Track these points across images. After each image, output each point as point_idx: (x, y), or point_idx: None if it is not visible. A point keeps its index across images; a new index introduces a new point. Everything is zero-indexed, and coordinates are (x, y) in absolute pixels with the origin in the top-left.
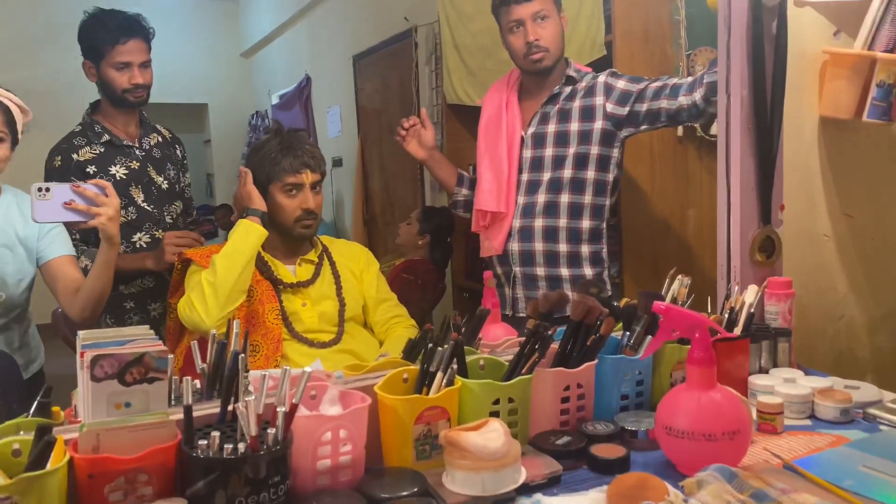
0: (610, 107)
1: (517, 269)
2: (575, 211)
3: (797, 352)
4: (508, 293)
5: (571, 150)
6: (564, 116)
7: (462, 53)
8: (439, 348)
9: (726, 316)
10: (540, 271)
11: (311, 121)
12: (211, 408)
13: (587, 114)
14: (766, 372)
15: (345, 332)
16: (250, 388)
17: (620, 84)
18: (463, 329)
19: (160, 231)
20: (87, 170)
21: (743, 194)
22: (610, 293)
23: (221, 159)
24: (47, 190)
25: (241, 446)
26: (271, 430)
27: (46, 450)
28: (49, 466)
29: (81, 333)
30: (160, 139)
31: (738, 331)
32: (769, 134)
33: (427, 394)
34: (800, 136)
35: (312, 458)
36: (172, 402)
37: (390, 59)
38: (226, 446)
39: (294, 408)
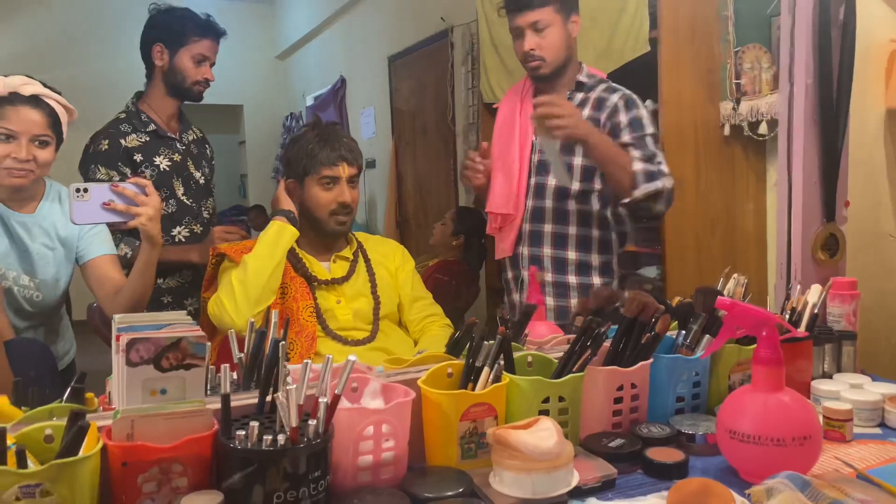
0: (605, 129)
1: (525, 274)
2: (584, 220)
3: (859, 357)
4: (516, 298)
5: (578, 161)
6: None
7: (500, 51)
8: (486, 342)
9: (787, 317)
10: (548, 277)
11: (346, 122)
12: (248, 398)
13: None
14: (830, 377)
15: (379, 329)
16: (289, 378)
17: (622, 118)
18: (510, 324)
19: (198, 226)
20: (135, 157)
21: (805, 189)
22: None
23: (255, 160)
24: (85, 190)
25: (281, 438)
26: (312, 422)
27: (79, 436)
28: (82, 453)
29: (117, 317)
30: (195, 136)
31: (801, 330)
32: (834, 126)
33: (473, 390)
34: (864, 130)
35: (354, 453)
36: (208, 393)
37: (426, 60)
38: (265, 437)
39: (336, 399)
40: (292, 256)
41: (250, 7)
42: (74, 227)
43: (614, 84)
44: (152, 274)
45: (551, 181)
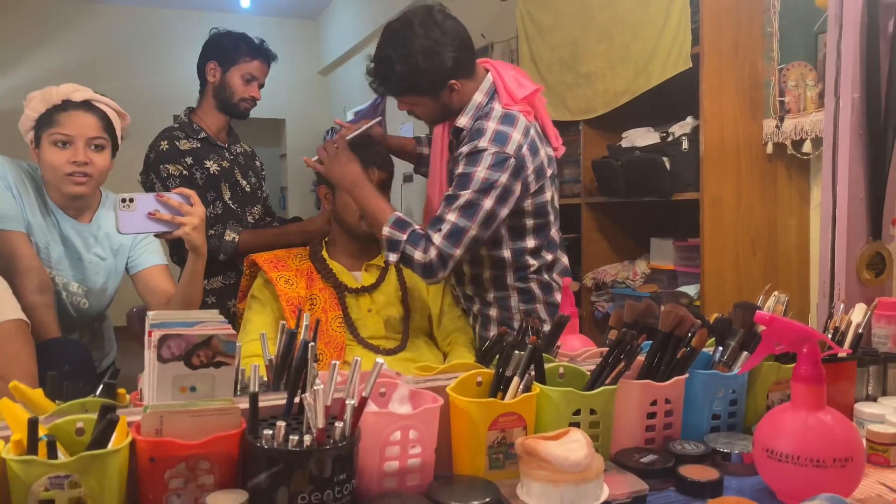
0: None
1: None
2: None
3: None
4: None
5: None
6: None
7: (539, 67)
8: (516, 352)
9: (829, 336)
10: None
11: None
12: (276, 399)
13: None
14: (874, 400)
15: (409, 340)
16: (318, 380)
17: (458, 170)
18: (541, 334)
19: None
20: (187, 159)
21: (851, 206)
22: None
23: (296, 173)
24: (131, 200)
25: (307, 439)
26: (339, 424)
27: (109, 429)
28: (111, 447)
29: (150, 314)
30: (243, 150)
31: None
32: (882, 141)
33: (502, 399)
34: None
35: (380, 458)
36: (238, 393)
37: None
38: (291, 438)
39: (363, 401)
40: (322, 267)
41: (295, 24)
42: (127, 238)
43: (489, 127)
44: (199, 283)
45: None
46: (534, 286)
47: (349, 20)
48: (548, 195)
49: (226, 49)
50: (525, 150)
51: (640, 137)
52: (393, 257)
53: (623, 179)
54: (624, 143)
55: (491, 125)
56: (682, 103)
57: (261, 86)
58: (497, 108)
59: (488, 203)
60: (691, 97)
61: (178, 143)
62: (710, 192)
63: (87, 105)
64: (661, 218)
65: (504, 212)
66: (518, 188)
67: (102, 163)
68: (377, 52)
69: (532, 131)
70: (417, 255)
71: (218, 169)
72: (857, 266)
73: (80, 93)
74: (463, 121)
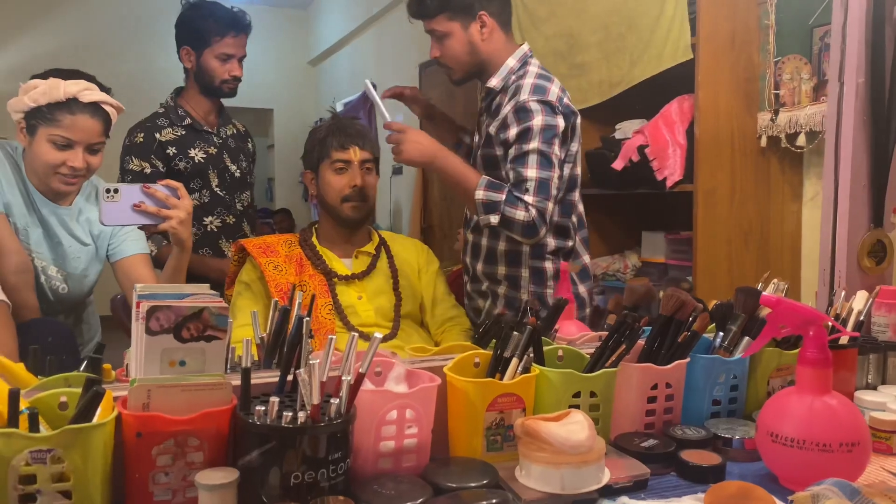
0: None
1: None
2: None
3: None
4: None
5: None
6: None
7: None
8: (515, 333)
9: (829, 325)
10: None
11: (375, 128)
12: (269, 377)
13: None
14: (875, 388)
15: (400, 328)
16: (312, 356)
17: (511, 132)
18: (540, 317)
19: (231, 217)
20: (168, 150)
21: (853, 193)
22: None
23: (283, 164)
24: (116, 191)
25: (301, 415)
26: (334, 401)
27: (94, 402)
28: (96, 420)
29: (138, 286)
30: (235, 131)
31: (844, 339)
32: (886, 127)
33: (500, 381)
34: None
35: (375, 437)
36: (228, 370)
37: None
38: (284, 414)
39: (360, 378)
40: (312, 253)
41: (284, 13)
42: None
43: (526, 83)
44: (182, 278)
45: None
46: (548, 267)
47: (340, 10)
48: (577, 169)
49: (196, 31)
50: (566, 100)
51: (634, 129)
52: (494, 219)
53: (616, 171)
54: (617, 135)
55: (528, 80)
56: (676, 95)
57: (243, 58)
58: (531, 71)
59: (556, 149)
60: (685, 90)
61: (158, 135)
62: (704, 185)
63: (93, 108)
64: (653, 211)
65: (573, 148)
66: (570, 130)
67: (97, 164)
68: None
69: (566, 100)
70: (520, 214)
71: (204, 156)
72: (857, 254)
73: (89, 93)
74: (494, 81)
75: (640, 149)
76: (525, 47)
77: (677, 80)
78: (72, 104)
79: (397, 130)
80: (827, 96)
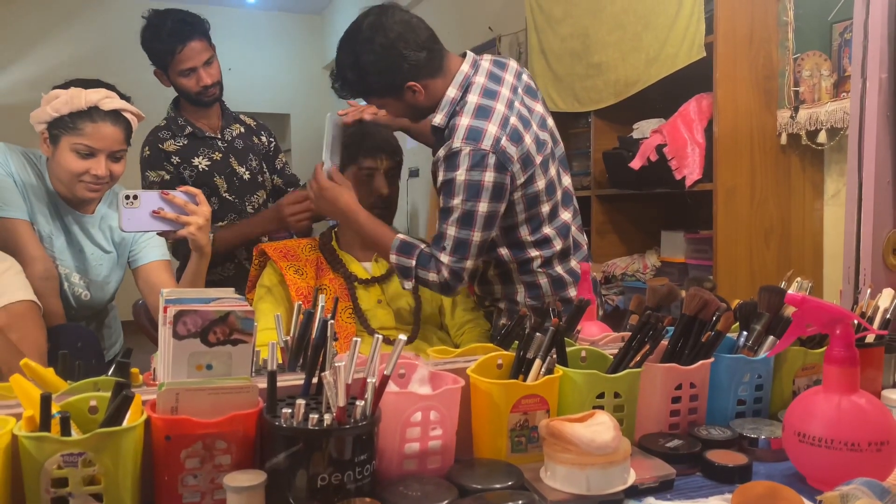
0: None
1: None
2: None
3: None
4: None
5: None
6: None
7: (549, 58)
8: (538, 334)
9: (856, 323)
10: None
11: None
12: (294, 380)
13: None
14: None
15: (420, 331)
16: (337, 358)
17: (439, 178)
18: (563, 318)
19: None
20: (173, 160)
21: (877, 189)
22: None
23: (301, 169)
24: (135, 198)
25: (328, 417)
26: (359, 403)
27: (123, 406)
28: (126, 424)
29: (165, 291)
30: (242, 129)
31: (871, 338)
32: None
33: (524, 382)
34: None
35: (400, 439)
36: (253, 374)
37: None
38: (310, 416)
39: (385, 380)
40: (332, 257)
41: (299, 18)
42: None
43: (461, 124)
44: (201, 283)
45: None
46: (542, 280)
47: (354, 15)
48: (539, 184)
49: (152, 53)
50: (504, 141)
51: (652, 129)
52: (408, 285)
53: (634, 171)
54: (635, 135)
55: (463, 121)
56: (694, 94)
57: (209, 61)
58: (471, 101)
59: (482, 206)
60: (703, 88)
61: (162, 146)
62: (724, 184)
63: (115, 116)
64: (673, 210)
65: (502, 206)
66: (508, 180)
67: (119, 171)
68: (336, 56)
69: (513, 119)
70: (431, 276)
71: (209, 163)
72: (882, 251)
73: (109, 101)
74: (438, 118)
75: (659, 148)
76: (465, 65)
77: (695, 79)
78: (93, 112)
79: (320, 186)
80: (847, 92)
